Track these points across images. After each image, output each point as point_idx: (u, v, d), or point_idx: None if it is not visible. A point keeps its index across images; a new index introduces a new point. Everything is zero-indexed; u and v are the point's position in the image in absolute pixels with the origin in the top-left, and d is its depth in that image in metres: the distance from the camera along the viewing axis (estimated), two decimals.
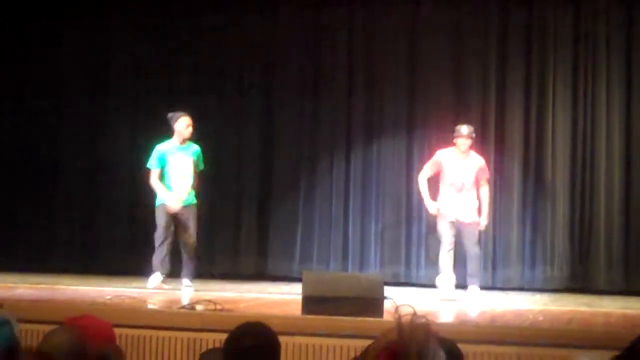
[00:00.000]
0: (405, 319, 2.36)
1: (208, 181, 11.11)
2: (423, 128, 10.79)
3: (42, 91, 11.37)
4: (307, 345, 6.47)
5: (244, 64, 11.20)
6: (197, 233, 9.46)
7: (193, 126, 9.39)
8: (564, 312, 8.23)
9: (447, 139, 9.32)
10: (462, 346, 3.49)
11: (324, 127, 10.83)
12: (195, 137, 10.90)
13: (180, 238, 9.42)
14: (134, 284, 9.44)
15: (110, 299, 7.66)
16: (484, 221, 9.20)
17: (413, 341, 2.30)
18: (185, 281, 9.38)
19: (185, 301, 7.67)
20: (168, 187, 9.36)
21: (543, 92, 10.55)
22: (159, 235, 9.34)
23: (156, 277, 9.27)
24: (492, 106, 10.63)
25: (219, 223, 11.12)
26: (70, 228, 11.27)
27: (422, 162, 10.77)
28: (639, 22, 10.38)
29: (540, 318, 7.65)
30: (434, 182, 9.18)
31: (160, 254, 9.31)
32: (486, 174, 9.30)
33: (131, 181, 11.17)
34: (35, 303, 7.65)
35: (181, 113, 9.42)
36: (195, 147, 9.52)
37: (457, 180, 9.15)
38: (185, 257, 9.43)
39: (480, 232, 9.30)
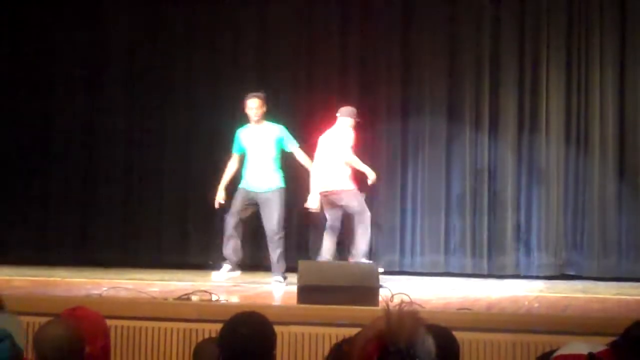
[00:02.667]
0: (394, 307, 2.35)
1: (204, 171, 11.12)
2: (417, 115, 10.78)
3: (34, 86, 11.32)
4: (302, 334, 6.47)
5: (236, 62, 11.16)
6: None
7: (250, 108, 9.02)
8: (559, 298, 8.25)
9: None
10: (457, 334, 3.49)
11: (318, 120, 10.79)
12: (190, 130, 10.94)
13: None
14: (129, 276, 9.44)
15: (105, 290, 7.66)
16: None
17: (401, 329, 2.29)
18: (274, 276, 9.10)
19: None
20: (245, 171, 9.10)
21: (536, 78, 10.54)
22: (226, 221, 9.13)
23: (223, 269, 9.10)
24: (486, 93, 10.62)
25: (215, 214, 11.09)
26: (65, 220, 11.25)
27: (417, 151, 10.80)
28: (631, 6, 10.37)
29: (536, 305, 7.67)
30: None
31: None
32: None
33: (126, 174, 11.16)
34: (30, 295, 7.64)
35: (248, 94, 9.20)
36: (274, 128, 9.18)
37: None
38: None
39: None
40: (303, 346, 6.46)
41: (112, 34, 11.32)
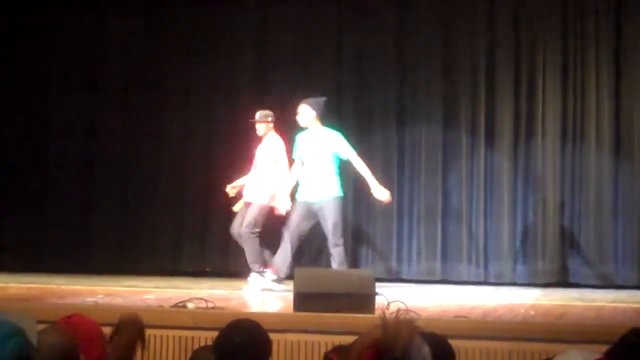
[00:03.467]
0: (390, 316, 2.35)
1: (200, 178, 11.11)
2: (413, 121, 10.78)
3: (32, 87, 11.31)
4: (298, 341, 6.46)
5: (235, 63, 11.16)
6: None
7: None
8: (555, 306, 8.24)
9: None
10: (453, 342, 3.49)
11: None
12: (187, 135, 10.93)
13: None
14: (126, 283, 9.43)
15: (101, 298, 7.65)
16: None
17: (397, 338, 2.29)
18: None
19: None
20: (300, 180, 9.03)
21: (532, 83, 10.54)
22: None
23: (267, 277, 9.05)
24: (482, 99, 10.62)
25: (210, 220, 11.10)
26: (62, 227, 11.23)
27: (413, 156, 10.79)
28: (626, 11, 10.38)
29: (532, 313, 7.66)
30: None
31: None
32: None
33: (123, 179, 11.15)
34: (26, 302, 7.63)
35: (304, 100, 9.17)
36: (329, 135, 9.08)
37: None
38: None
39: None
40: (299, 354, 6.45)
41: (111, 34, 11.30)
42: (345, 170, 9.35)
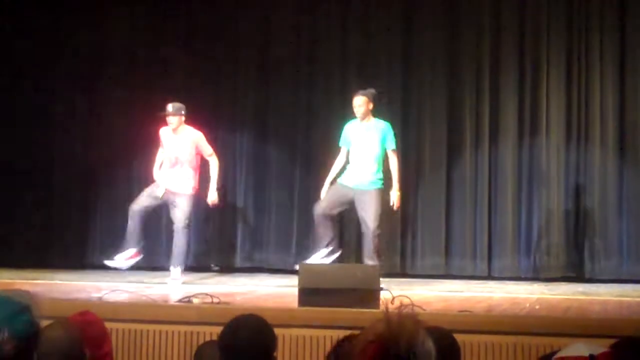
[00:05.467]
0: (394, 310, 2.35)
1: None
2: (418, 118, 10.77)
3: (36, 86, 11.32)
4: (303, 337, 6.47)
5: (238, 59, 11.16)
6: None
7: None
8: (560, 300, 8.25)
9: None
10: (458, 336, 3.49)
11: (319, 121, 10.81)
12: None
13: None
14: (130, 279, 9.44)
15: (106, 293, 7.66)
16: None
17: (401, 332, 2.29)
18: None
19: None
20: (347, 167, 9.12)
21: (537, 80, 10.53)
22: None
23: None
24: (486, 95, 10.61)
25: (215, 216, 11.11)
26: (66, 224, 11.25)
27: (418, 152, 10.79)
28: (631, 8, 10.36)
29: (537, 307, 7.66)
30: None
31: None
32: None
33: (129, 175, 11.14)
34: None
35: (359, 91, 9.18)
36: (380, 125, 9.14)
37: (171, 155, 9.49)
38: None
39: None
40: (304, 349, 6.46)
41: (112, 34, 11.30)
42: None
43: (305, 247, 10.71)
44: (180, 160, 9.49)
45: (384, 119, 10.70)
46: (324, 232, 9.11)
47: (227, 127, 11.15)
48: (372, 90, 9.21)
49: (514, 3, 10.62)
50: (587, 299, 8.40)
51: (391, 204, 9.16)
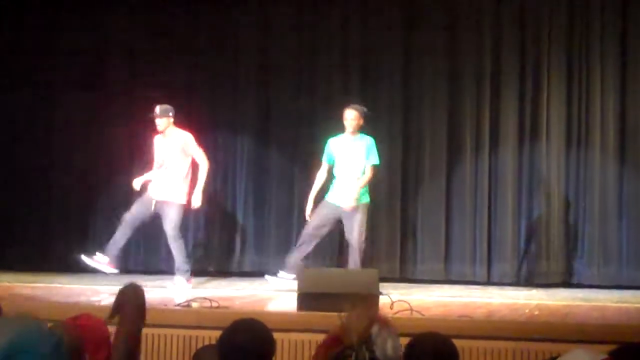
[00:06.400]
0: (354, 310, 2.41)
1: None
2: (418, 122, 10.77)
3: (35, 85, 11.32)
4: (302, 341, 6.47)
5: (239, 63, 11.16)
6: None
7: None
8: (559, 306, 8.25)
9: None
10: (457, 342, 3.48)
11: (319, 123, 10.81)
12: (190, 131, 10.91)
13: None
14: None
15: (106, 297, 7.66)
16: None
17: (355, 325, 2.34)
18: None
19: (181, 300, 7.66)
20: (332, 183, 9.12)
21: (537, 85, 10.53)
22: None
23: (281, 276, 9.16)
24: (487, 100, 10.61)
25: (215, 220, 11.11)
26: (66, 227, 11.24)
27: (418, 157, 10.78)
28: (632, 11, 10.36)
29: (537, 313, 7.67)
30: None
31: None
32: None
33: (129, 178, 11.13)
34: (31, 302, 7.65)
35: (352, 105, 9.21)
36: (365, 141, 9.15)
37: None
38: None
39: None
40: (303, 353, 6.46)
41: (113, 36, 11.30)
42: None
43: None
44: (166, 163, 9.41)
45: (384, 124, 10.74)
46: (306, 250, 9.14)
47: (227, 131, 11.15)
48: (363, 108, 9.23)
49: (514, 8, 10.63)
50: (586, 304, 8.40)
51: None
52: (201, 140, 11.04)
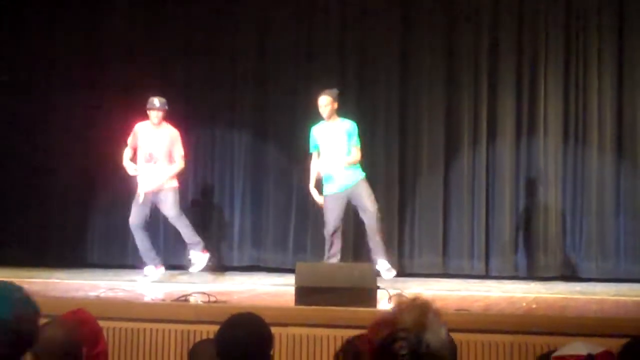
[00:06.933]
0: (407, 298, 2.40)
1: (202, 173, 11.12)
2: (415, 117, 10.77)
3: (34, 86, 11.31)
4: (300, 335, 6.48)
5: (236, 62, 11.14)
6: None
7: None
8: (557, 299, 8.25)
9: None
10: (455, 335, 3.49)
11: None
12: (188, 129, 10.92)
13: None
14: (127, 278, 9.44)
15: (103, 292, 7.66)
16: None
17: (411, 313, 2.33)
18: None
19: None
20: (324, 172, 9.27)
21: (534, 81, 10.52)
22: None
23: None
24: (484, 95, 10.60)
25: (213, 214, 11.11)
26: (63, 222, 11.24)
27: (415, 151, 10.79)
28: (629, 9, 10.36)
29: (534, 306, 7.67)
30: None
31: None
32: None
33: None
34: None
35: (324, 92, 9.32)
36: (345, 124, 9.32)
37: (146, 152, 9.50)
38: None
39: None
40: (301, 348, 6.46)
41: (111, 35, 11.29)
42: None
43: (303, 246, 10.74)
44: (154, 156, 9.44)
45: (382, 119, 10.74)
46: (337, 248, 9.29)
47: (225, 127, 11.15)
48: (335, 90, 9.37)
49: (512, 4, 10.62)
50: (584, 298, 8.40)
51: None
52: (199, 137, 11.09)
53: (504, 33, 10.61)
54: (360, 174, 9.35)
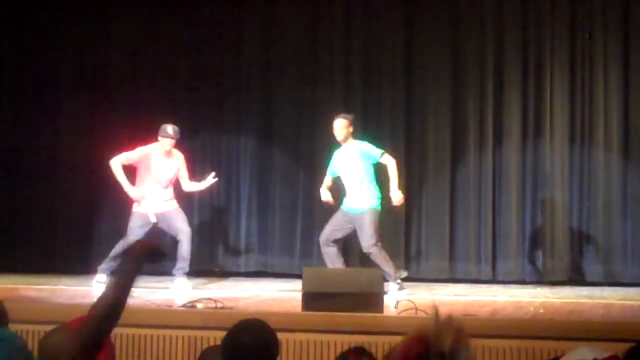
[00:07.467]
0: (442, 315, 2.41)
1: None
2: (421, 120, 10.76)
3: (38, 89, 11.32)
4: (307, 341, 6.47)
5: (241, 64, 11.15)
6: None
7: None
8: (564, 304, 8.24)
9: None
10: None
11: (322, 122, 10.81)
12: (194, 133, 10.93)
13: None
14: (134, 284, 9.41)
15: None
16: None
17: (448, 333, 2.34)
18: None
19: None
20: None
21: (540, 82, 10.51)
22: None
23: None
24: (490, 97, 10.60)
25: (219, 220, 11.11)
26: (71, 229, 11.24)
27: (421, 155, 10.78)
28: (635, 9, 10.35)
29: (541, 310, 7.66)
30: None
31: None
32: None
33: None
34: (35, 304, 7.65)
35: (339, 115, 9.26)
36: (357, 145, 9.17)
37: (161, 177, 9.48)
38: None
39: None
40: (308, 353, 6.46)
41: (115, 36, 11.30)
42: None
43: (309, 251, 10.73)
44: (169, 182, 9.49)
45: (388, 122, 10.74)
46: (331, 262, 9.09)
47: (230, 131, 11.16)
48: (351, 115, 9.29)
49: (517, 6, 10.62)
50: (590, 302, 8.39)
51: (395, 201, 9.15)
52: (205, 142, 11.10)
53: (509, 34, 10.61)
54: (371, 203, 9.09)
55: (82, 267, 10.89)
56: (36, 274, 10.18)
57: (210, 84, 11.15)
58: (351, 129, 9.18)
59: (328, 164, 9.56)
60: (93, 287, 9.03)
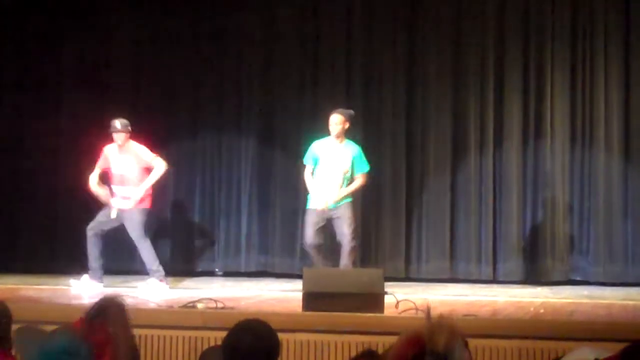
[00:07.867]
0: (435, 316, 2.42)
1: (209, 179, 11.11)
2: (422, 121, 10.76)
3: (40, 90, 11.32)
4: (308, 341, 6.48)
5: (242, 64, 11.15)
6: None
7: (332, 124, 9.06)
8: (565, 304, 8.24)
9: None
10: None
11: (323, 125, 10.80)
12: (194, 134, 10.93)
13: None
14: (136, 284, 9.44)
15: None
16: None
17: (441, 334, 2.35)
18: None
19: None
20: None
21: (541, 83, 10.51)
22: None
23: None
24: (490, 98, 10.60)
25: (220, 220, 11.11)
26: (72, 229, 11.23)
27: (422, 155, 10.78)
28: (636, 9, 10.35)
29: (542, 311, 7.66)
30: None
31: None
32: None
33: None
34: (37, 304, 7.66)
35: (337, 110, 9.23)
36: (352, 148, 9.15)
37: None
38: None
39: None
40: (308, 353, 6.46)
41: (117, 38, 11.30)
42: None
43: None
44: (126, 178, 9.39)
45: (389, 124, 10.74)
46: (317, 261, 9.10)
47: (231, 132, 11.15)
48: (350, 111, 9.24)
49: (518, 7, 10.62)
50: (591, 302, 8.39)
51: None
52: (206, 143, 11.08)
53: (510, 36, 10.60)
54: (346, 198, 9.11)
55: (83, 267, 10.90)
56: (37, 274, 10.18)
57: (210, 84, 11.15)
58: (347, 126, 9.14)
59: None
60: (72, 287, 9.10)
